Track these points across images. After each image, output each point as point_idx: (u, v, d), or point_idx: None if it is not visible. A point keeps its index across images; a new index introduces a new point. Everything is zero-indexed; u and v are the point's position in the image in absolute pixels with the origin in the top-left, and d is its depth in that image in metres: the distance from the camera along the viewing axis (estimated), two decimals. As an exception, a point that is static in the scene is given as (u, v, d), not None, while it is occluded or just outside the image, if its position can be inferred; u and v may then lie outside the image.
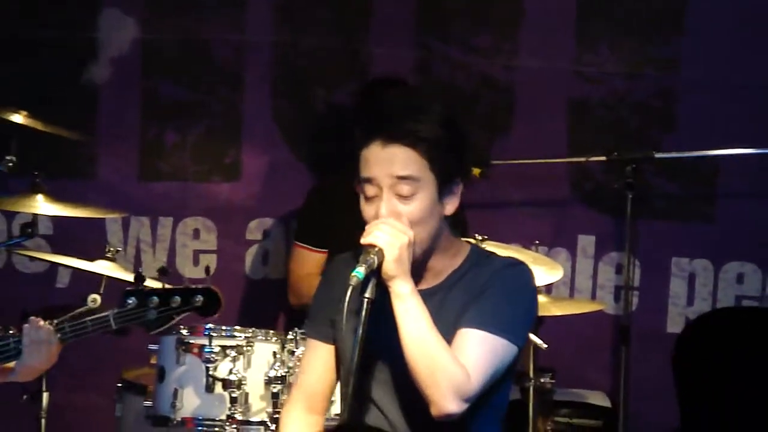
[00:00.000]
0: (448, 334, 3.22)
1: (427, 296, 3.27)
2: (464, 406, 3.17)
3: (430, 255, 3.30)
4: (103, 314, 3.54)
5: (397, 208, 3.23)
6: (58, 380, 4.56)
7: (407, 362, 3.18)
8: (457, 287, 3.31)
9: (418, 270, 3.29)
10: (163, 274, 3.60)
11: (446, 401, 3.15)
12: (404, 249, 3.17)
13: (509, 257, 3.40)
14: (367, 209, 3.27)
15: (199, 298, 3.50)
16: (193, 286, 3.51)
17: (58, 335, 3.57)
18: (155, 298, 3.49)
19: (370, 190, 3.26)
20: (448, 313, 3.27)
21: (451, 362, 3.16)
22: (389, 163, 3.23)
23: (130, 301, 3.51)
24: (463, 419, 3.22)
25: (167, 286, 3.53)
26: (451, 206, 3.30)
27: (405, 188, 3.23)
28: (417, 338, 3.17)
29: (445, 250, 3.33)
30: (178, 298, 3.50)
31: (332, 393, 3.50)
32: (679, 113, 5.58)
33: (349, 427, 3.16)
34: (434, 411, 3.17)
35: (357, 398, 3.28)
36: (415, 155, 3.24)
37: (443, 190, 3.27)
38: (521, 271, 3.34)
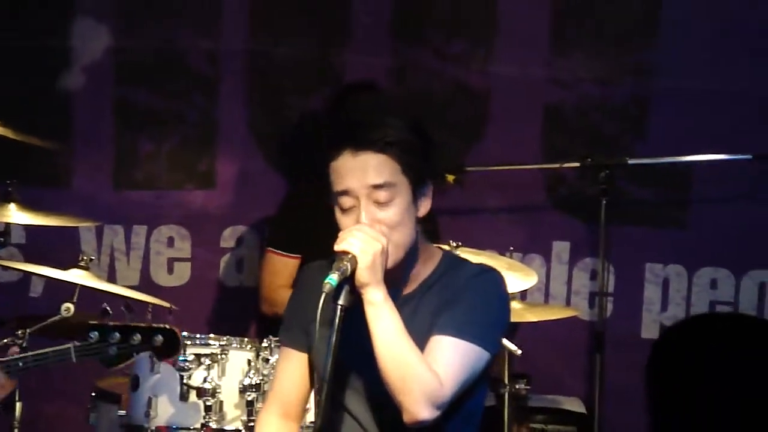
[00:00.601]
0: (421, 341, 3.22)
1: (400, 304, 3.26)
2: (436, 413, 3.17)
3: (407, 260, 3.29)
4: (65, 347, 3.54)
5: (377, 215, 3.23)
6: (31, 390, 4.53)
7: (380, 369, 3.18)
8: (430, 293, 3.31)
9: (394, 276, 3.28)
10: (128, 311, 3.61)
11: (419, 408, 3.15)
12: (377, 256, 3.17)
13: (481, 264, 3.40)
14: (344, 220, 3.25)
15: (159, 338, 3.51)
16: (155, 325, 3.53)
17: (7, 372, 3.59)
18: (117, 334, 3.51)
19: (346, 201, 3.25)
20: (422, 320, 3.27)
21: (424, 369, 3.16)
22: (363, 173, 3.23)
23: (93, 336, 3.52)
24: (437, 426, 3.22)
25: (132, 323, 3.54)
26: (424, 208, 3.31)
27: (382, 195, 3.23)
28: (389, 345, 3.17)
29: (419, 253, 3.33)
30: (138, 336, 3.51)
31: (307, 400, 3.49)
32: (653, 120, 5.60)
33: None
34: (407, 418, 3.17)
35: (331, 407, 3.28)
36: (388, 160, 3.24)
37: (416, 192, 3.27)
38: (493, 277, 3.34)
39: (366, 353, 3.20)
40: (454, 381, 3.19)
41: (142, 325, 3.52)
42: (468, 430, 3.36)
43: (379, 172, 3.23)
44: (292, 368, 3.43)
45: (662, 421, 4.67)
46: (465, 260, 3.42)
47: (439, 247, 3.47)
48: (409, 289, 3.34)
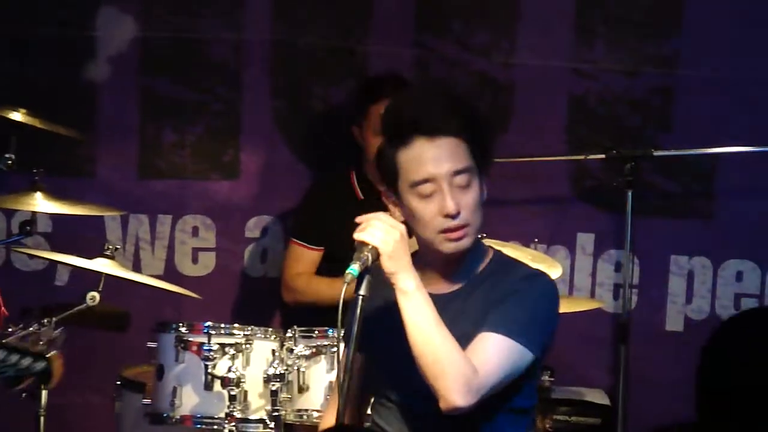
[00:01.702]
0: (467, 340, 3.21)
1: (446, 301, 3.27)
2: (472, 400, 3.14)
3: (469, 246, 3.28)
4: None
5: (461, 199, 3.24)
6: (56, 378, 4.55)
7: (414, 357, 3.17)
8: (477, 293, 3.30)
9: (449, 264, 3.29)
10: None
11: (454, 393, 3.13)
12: (398, 243, 3.17)
13: (534, 268, 3.39)
14: (425, 208, 3.25)
15: (41, 365, 3.52)
16: (46, 353, 3.52)
17: None
18: (15, 356, 3.51)
19: (427, 188, 3.25)
20: (467, 319, 3.26)
21: (457, 354, 3.14)
22: (444, 158, 3.24)
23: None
24: (482, 423, 3.23)
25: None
26: (485, 193, 3.33)
27: (464, 179, 3.25)
28: (422, 332, 3.16)
29: (477, 247, 3.34)
30: (29, 359, 3.52)
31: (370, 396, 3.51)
32: (677, 111, 5.58)
33: (342, 429, 3.16)
34: (443, 404, 3.15)
35: (353, 399, 3.28)
36: (462, 144, 3.27)
37: (483, 177, 3.31)
38: (544, 281, 3.33)
39: (403, 344, 3.19)
40: (491, 371, 3.17)
41: (34, 350, 3.51)
42: (514, 429, 3.35)
43: (459, 157, 3.25)
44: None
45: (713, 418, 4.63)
46: (517, 262, 3.41)
47: (491, 247, 3.44)
48: (454, 288, 3.33)
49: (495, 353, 3.19)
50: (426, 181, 3.25)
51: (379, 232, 3.16)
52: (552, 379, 4.89)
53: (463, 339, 3.20)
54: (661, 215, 5.59)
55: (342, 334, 3.21)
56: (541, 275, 3.34)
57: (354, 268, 3.13)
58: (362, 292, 3.16)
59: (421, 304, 3.18)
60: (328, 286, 5.04)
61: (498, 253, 3.41)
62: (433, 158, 3.25)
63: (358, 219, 3.22)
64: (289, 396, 4.29)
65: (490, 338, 3.20)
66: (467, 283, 3.32)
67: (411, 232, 3.30)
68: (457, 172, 3.25)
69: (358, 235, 3.18)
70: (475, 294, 3.30)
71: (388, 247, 3.16)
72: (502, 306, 3.23)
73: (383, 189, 3.36)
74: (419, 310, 3.17)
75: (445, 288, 3.33)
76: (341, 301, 3.12)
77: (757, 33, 5.50)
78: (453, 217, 3.24)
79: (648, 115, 5.59)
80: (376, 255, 3.16)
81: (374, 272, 3.19)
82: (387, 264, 3.16)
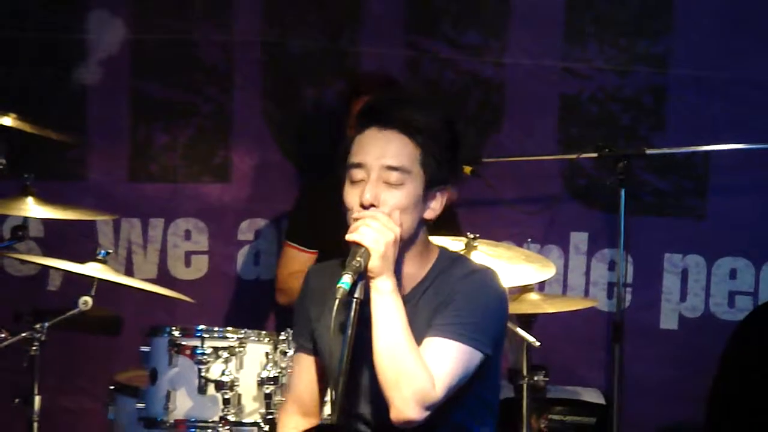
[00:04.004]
0: (419, 344, 3.17)
1: None
2: (425, 414, 3.12)
3: (403, 255, 3.24)
4: None
5: (381, 195, 3.19)
6: (50, 383, 4.54)
7: (375, 361, 3.14)
8: (426, 296, 3.27)
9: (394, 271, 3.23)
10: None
11: (407, 407, 3.11)
12: (390, 246, 3.14)
13: (474, 264, 3.36)
14: (350, 193, 3.22)
15: None
16: None
17: None
18: None
19: (357, 174, 3.22)
20: (419, 324, 3.22)
21: (419, 368, 3.12)
22: (382, 150, 3.20)
23: None
24: (448, 416, 3.20)
25: None
26: (431, 211, 3.27)
27: (394, 176, 3.20)
28: (389, 337, 3.13)
29: (419, 254, 3.29)
30: None
31: (324, 397, 3.50)
32: (669, 109, 5.58)
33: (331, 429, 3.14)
34: (393, 415, 3.13)
35: (346, 402, 3.25)
36: (410, 144, 3.22)
37: (428, 189, 3.24)
38: (482, 277, 3.28)
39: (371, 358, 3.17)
40: (447, 383, 3.15)
41: None
42: (483, 423, 3.33)
43: (399, 155, 3.21)
44: (304, 371, 3.44)
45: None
46: (459, 259, 3.36)
47: (437, 245, 3.39)
48: (404, 293, 3.26)
49: (448, 361, 3.16)
50: (358, 165, 3.22)
51: (372, 232, 3.13)
52: (546, 378, 4.87)
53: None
54: (654, 213, 5.59)
55: (331, 340, 3.16)
56: (479, 271, 3.29)
57: (346, 281, 3.09)
58: (357, 295, 3.12)
59: (394, 307, 3.14)
60: None
61: (443, 253, 3.35)
62: (373, 146, 3.21)
63: (355, 215, 3.19)
64: (283, 399, 4.27)
65: (441, 344, 3.17)
66: (415, 288, 3.27)
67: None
68: (390, 168, 3.20)
69: (350, 236, 3.15)
70: (423, 300, 3.25)
71: (379, 247, 3.13)
72: (448, 309, 3.20)
73: (342, 167, 3.28)
74: (391, 312, 3.14)
75: None
76: (333, 316, 3.08)
77: (748, 32, 5.50)
78: (365, 208, 3.19)
79: (640, 114, 5.59)
80: (369, 258, 3.13)
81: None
82: (374, 264, 3.12)
